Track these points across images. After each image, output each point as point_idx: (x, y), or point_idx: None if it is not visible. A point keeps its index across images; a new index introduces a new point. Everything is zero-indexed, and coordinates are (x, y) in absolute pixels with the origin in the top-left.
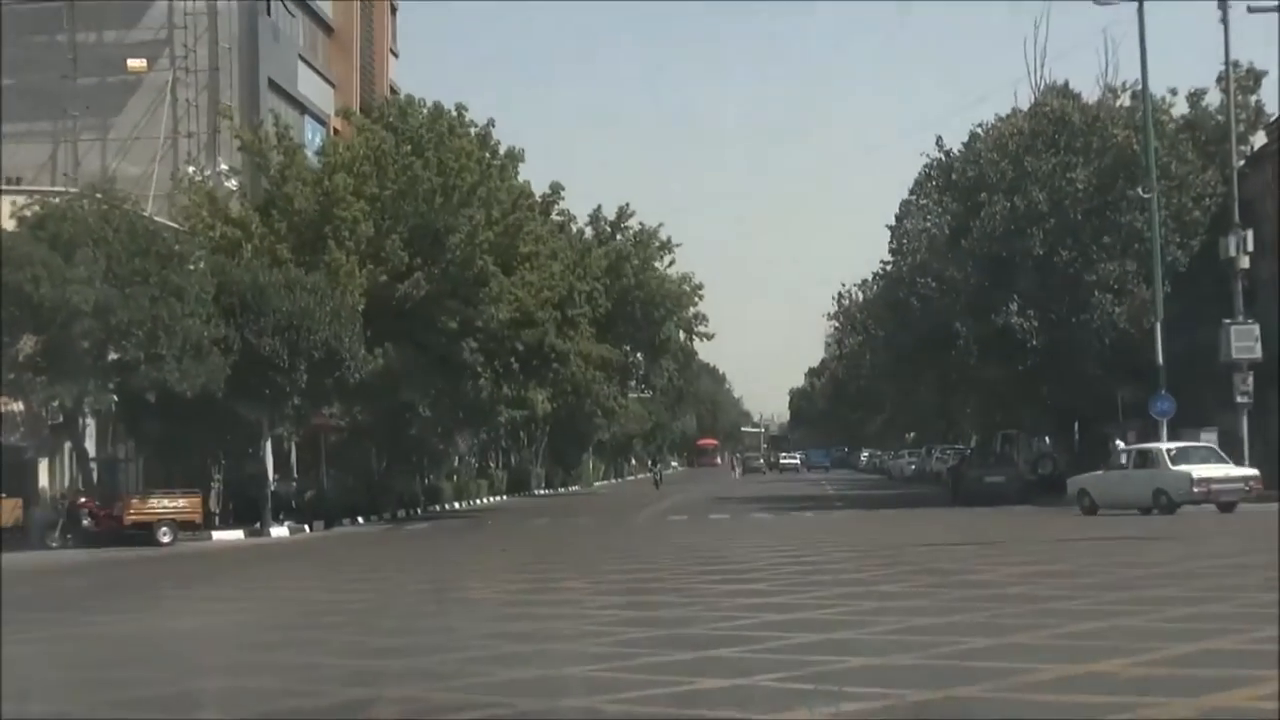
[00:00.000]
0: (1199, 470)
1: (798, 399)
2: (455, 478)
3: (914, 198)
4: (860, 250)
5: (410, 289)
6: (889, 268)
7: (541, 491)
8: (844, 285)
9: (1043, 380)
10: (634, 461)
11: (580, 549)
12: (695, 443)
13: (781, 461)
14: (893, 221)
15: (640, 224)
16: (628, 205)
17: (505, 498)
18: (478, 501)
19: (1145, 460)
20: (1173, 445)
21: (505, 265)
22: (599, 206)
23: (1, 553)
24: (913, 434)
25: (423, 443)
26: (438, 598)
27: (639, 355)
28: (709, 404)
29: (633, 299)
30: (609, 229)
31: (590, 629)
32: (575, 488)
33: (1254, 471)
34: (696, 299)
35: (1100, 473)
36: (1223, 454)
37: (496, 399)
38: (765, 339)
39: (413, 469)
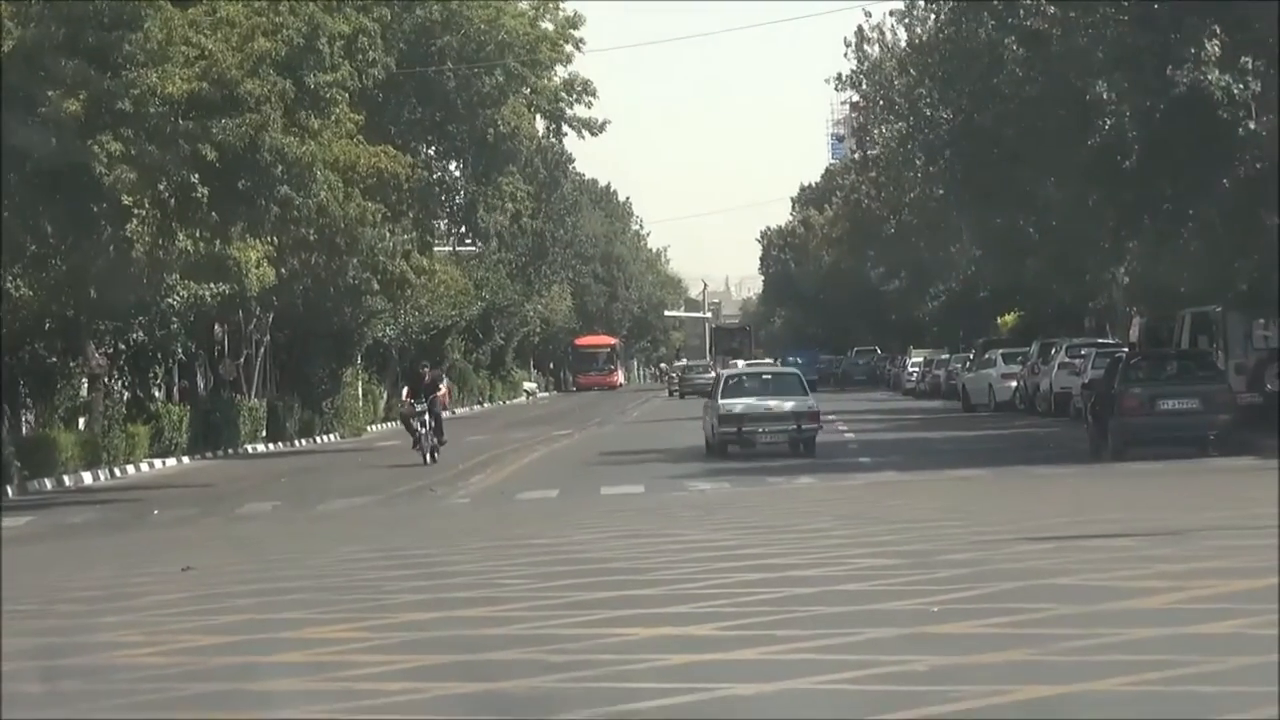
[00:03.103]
0: (730, 404)
1: (776, 248)
2: (84, 423)
3: None
4: None
5: None
6: None
7: (262, 447)
8: (868, 14)
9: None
10: (449, 383)
11: (339, 559)
12: (573, 343)
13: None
14: None
15: None
16: None
17: (189, 460)
18: (130, 469)
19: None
20: (743, 372)
21: None
22: None
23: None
24: (1012, 314)
25: (13, 353)
26: (46, 667)
27: (454, 165)
28: (600, 264)
29: (439, 50)
30: None
31: None
32: (332, 437)
33: (809, 407)
34: (572, 48)
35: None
36: (805, 381)
37: (165, 261)
38: (710, 133)
39: None
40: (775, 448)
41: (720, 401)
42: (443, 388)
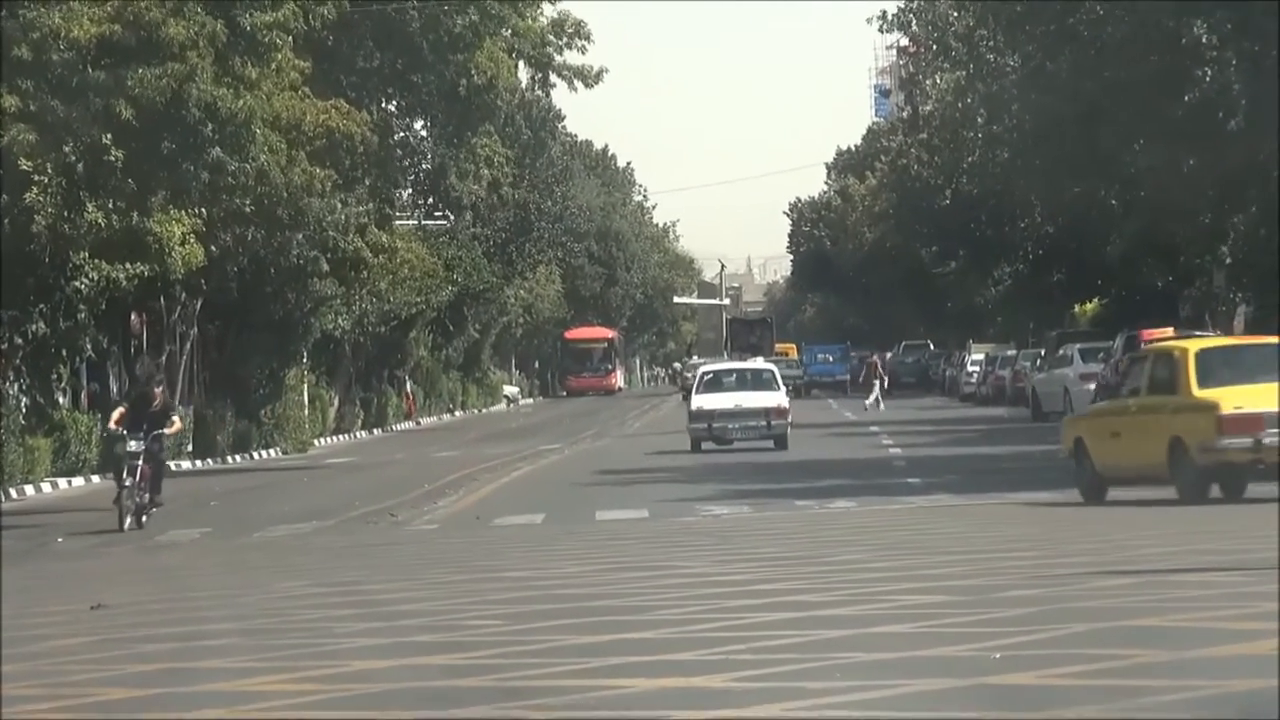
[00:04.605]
0: (701, 401)
1: (807, 223)
2: None
3: None
4: None
5: None
6: None
7: (187, 464)
8: None
9: None
10: (413, 386)
11: (277, 597)
12: (562, 336)
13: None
14: None
15: None
16: None
17: (99, 479)
18: (29, 489)
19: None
20: (718, 369)
21: None
22: None
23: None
24: (1092, 302)
25: None
26: None
27: (419, 123)
28: (596, 242)
29: None
30: None
31: None
32: (272, 453)
33: (777, 402)
34: None
35: None
36: (778, 377)
37: (71, 237)
38: (729, 86)
39: None
40: (753, 446)
41: (693, 398)
42: (175, 421)
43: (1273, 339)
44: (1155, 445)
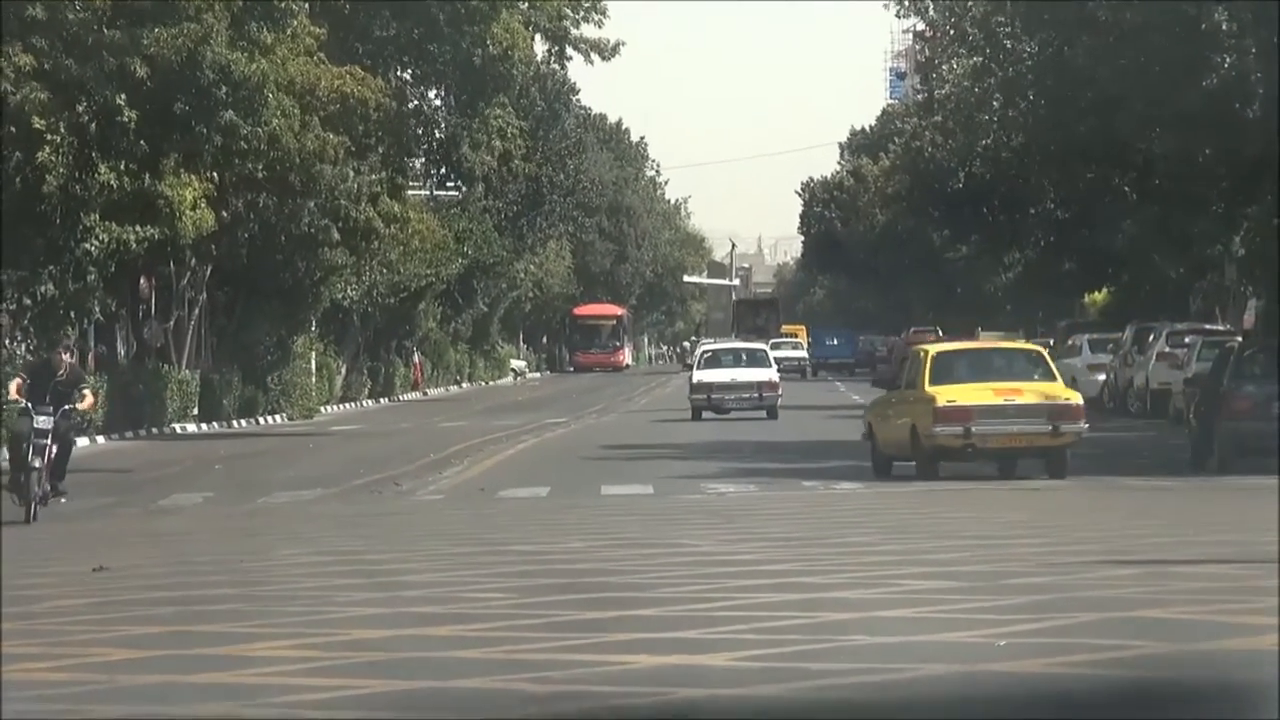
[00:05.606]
0: (701, 375)
1: (819, 204)
2: None
3: None
4: None
5: None
6: None
7: (193, 428)
8: None
9: None
10: (421, 357)
11: (279, 564)
12: (571, 312)
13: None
14: None
15: None
16: None
17: (104, 440)
18: None
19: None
20: (716, 348)
21: None
22: None
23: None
24: (1103, 292)
25: None
26: None
27: (433, 93)
28: (607, 217)
29: None
30: None
31: None
32: (278, 419)
33: (768, 377)
34: None
35: None
36: (771, 356)
37: (82, 198)
38: (744, 63)
39: None
40: (748, 416)
41: (694, 373)
42: (87, 395)
43: (1003, 344)
44: (903, 430)
